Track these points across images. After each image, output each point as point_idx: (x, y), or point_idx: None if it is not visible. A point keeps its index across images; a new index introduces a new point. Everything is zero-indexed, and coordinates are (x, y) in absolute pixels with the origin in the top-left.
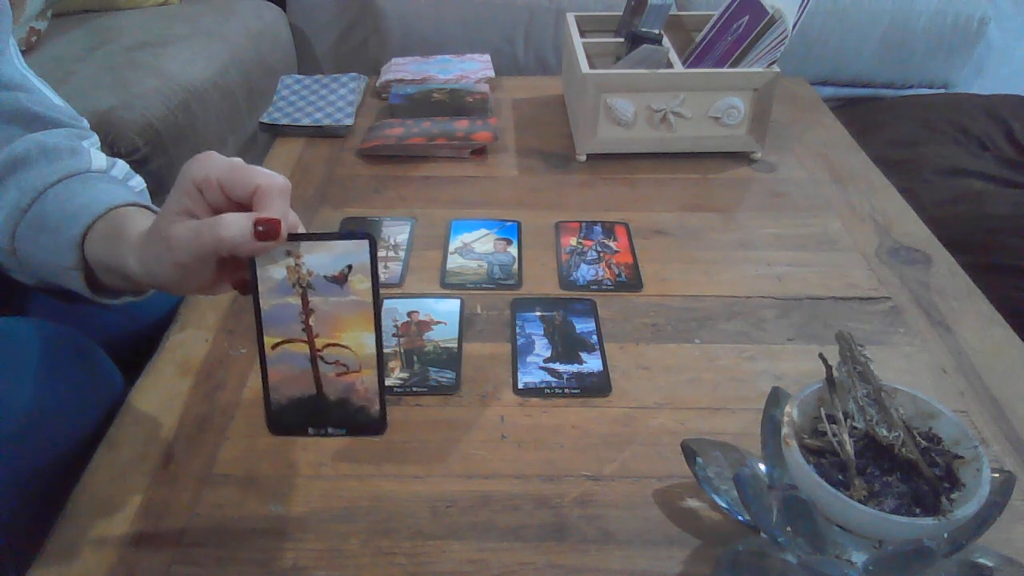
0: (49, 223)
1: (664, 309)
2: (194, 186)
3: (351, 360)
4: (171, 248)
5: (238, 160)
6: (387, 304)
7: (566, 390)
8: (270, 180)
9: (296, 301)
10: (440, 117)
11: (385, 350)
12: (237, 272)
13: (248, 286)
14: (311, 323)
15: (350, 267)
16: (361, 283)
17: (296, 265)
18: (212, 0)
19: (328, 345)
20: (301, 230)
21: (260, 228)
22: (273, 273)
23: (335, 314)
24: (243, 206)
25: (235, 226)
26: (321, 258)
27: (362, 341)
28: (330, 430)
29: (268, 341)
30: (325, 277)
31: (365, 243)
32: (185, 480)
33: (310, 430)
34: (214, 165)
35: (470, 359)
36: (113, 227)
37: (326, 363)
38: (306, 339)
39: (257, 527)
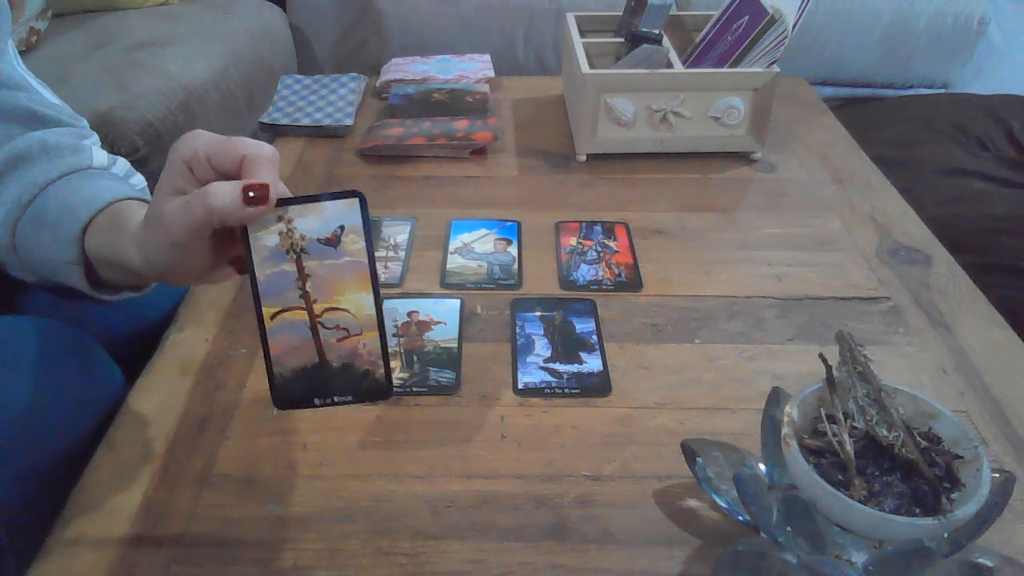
0: (50, 218)
1: (664, 309)
2: (183, 164)
3: (351, 323)
4: (164, 226)
5: (224, 136)
6: (387, 304)
7: (566, 390)
8: (257, 149)
9: (291, 268)
10: (440, 117)
11: (388, 346)
12: (232, 250)
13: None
14: (308, 288)
15: (342, 228)
16: (355, 243)
17: (288, 231)
18: (212, 0)
19: (327, 310)
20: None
21: (250, 194)
22: (266, 241)
23: (331, 277)
24: (232, 179)
25: (224, 194)
26: (312, 221)
27: (361, 303)
28: (336, 398)
29: (266, 312)
30: (318, 240)
31: (355, 201)
32: (185, 480)
33: (316, 401)
34: (201, 141)
35: (470, 359)
36: (113, 220)
37: (326, 329)
38: (304, 306)
39: (257, 527)
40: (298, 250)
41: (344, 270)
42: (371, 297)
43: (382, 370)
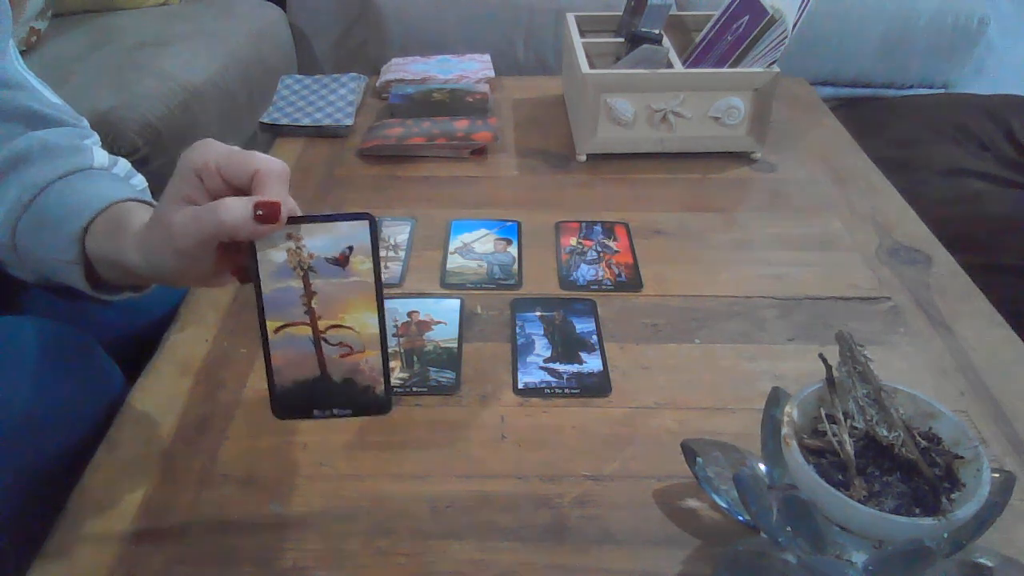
0: (50, 218)
1: (664, 309)
2: (193, 173)
3: (355, 341)
4: (172, 235)
5: (236, 148)
6: (387, 304)
7: (566, 390)
8: (269, 164)
9: (298, 284)
10: (440, 117)
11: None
12: (237, 259)
13: (248, 274)
14: (313, 305)
15: (351, 248)
16: (362, 264)
17: (297, 248)
18: (212, 0)
19: (331, 327)
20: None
21: (260, 212)
22: (274, 257)
23: (337, 296)
24: (242, 192)
25: (235, 210)
26: (322, 240)
27: (365, 321)
28: (335, 411)
29: (271, 325)
30: (326, 259)
31: (366, 223)
32: (185, 480)
33: (315, 412)
34: (213, 151)
35: (470, 359)
36: (114, 221)
37: (329, 345)
38: (308, 322)
39: (257, 527)
40: (305, 267)
41: (350, 290)
42: (375, 316)
43: (383, 386)
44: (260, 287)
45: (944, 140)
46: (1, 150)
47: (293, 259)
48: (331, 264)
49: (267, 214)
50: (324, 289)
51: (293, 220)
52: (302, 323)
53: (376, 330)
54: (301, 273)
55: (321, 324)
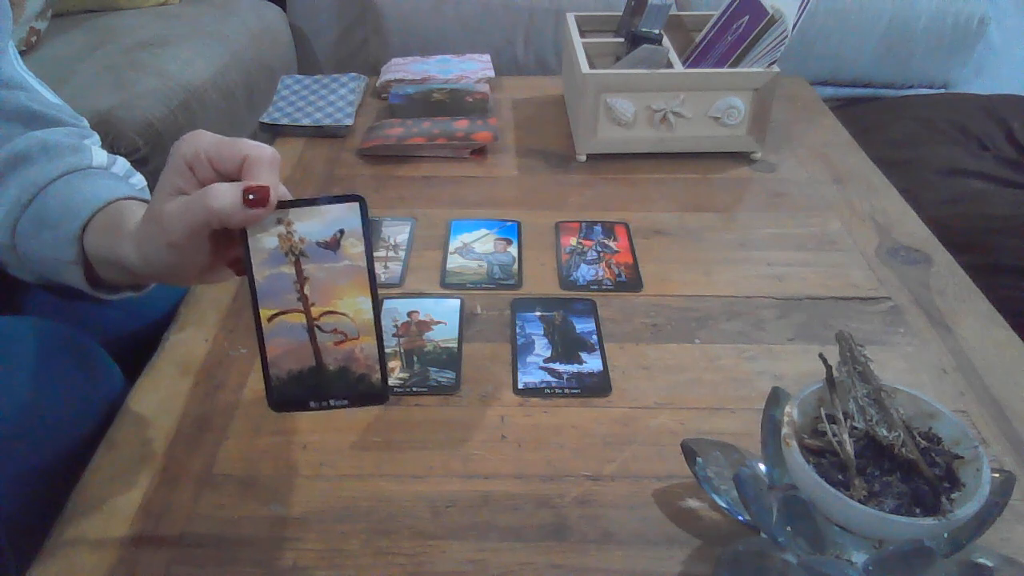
0: (49, 218)
1: (664, 309)
2: (184, 164)
3: (349, 327)
4: (163, 226)
5: (225, 136)
6: (387, 304)
7: (566, 390)
8: (258, 151)
9: (290, 270)
10: (440, 117)
11: (385, 350)
12: (231, 251)
13: (242, 263)
14: (306, 291)
15: (342, 231)
16: (354, 247)
17: (288, 233)
18: (212, 0)
19: (325, 313)
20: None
21: (250, 196)
22: (265, 243)
23: (330, 281)
24: (233, 180)
25: (224, 195)
26: (312, 224)
27: (359, 307)
28: (332, 402)
29: (264, 314)
30: (318, 243)
31: (356, 205)
32: (185, 480)
33: (312, 404)
34: (203, 141)
35: (470, 359)
36: (112, 220)
37: (324, 332)
38: (302, 309)
39: (257, 527)
40: (297, 253)
41: (343, 274)
42: (369, 301)
43: (378, 374)
44: (252, 275)
45: (944, 140)
46: (1, 150)
47: (284, 244)
48: (323, 248)
49: (257, 198)
50: (316, 274)
51: (283, 204)
52: (296, 310)
53: (370, 315)
54: (293, 259)
55: (314, 311)
